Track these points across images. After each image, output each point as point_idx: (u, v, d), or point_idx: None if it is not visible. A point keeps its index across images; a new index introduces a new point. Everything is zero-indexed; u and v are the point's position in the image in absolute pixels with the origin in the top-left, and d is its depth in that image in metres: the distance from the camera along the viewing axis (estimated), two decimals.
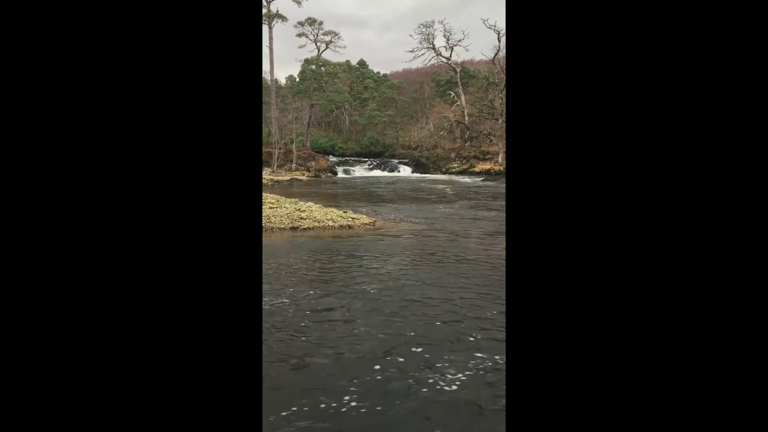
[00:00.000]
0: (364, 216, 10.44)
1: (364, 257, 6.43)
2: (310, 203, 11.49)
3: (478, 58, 43.94)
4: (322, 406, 2.49)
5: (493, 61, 36.46)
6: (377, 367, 2.97)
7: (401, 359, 3.10)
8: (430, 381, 2.79)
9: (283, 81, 44.83)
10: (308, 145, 38.62)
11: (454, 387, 2.73)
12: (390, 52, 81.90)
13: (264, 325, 3.62)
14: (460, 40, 43.92)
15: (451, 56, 41.21)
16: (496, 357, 3.13)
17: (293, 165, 33.21)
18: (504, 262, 6.25)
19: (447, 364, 3.03)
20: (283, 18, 34.47)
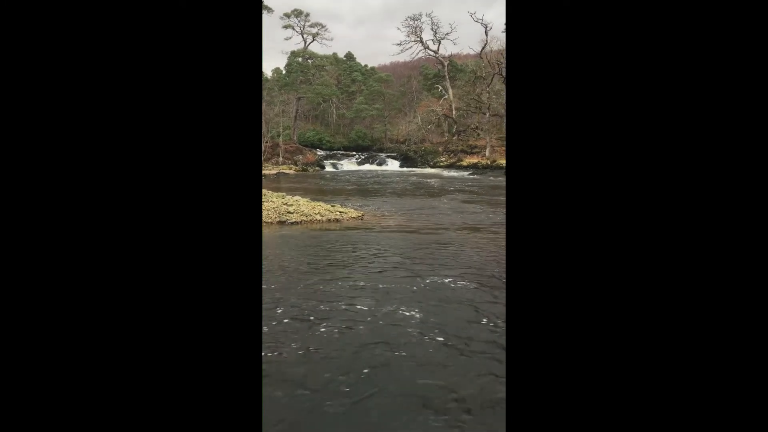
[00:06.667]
0: (352, 210, 10.42)
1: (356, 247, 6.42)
2: (297, 197, 11.43)
3: (465, 51, 44.02)
4: None
5: (480, 55, 36.51)
6: None
7: None
8: None
9: (269, 74, 44.37)
10: (295, 138, 38.37)
11: None
12: (368, 46, 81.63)
13: None
14: (447, 34, 43.92)
15: (438, 50, 41.21)
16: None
17: (280, 159, 32.99)
18: (489, 251, 6.32)
19: None
20: (269, 9, 34.09)
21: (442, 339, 3.34)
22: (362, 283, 4.82)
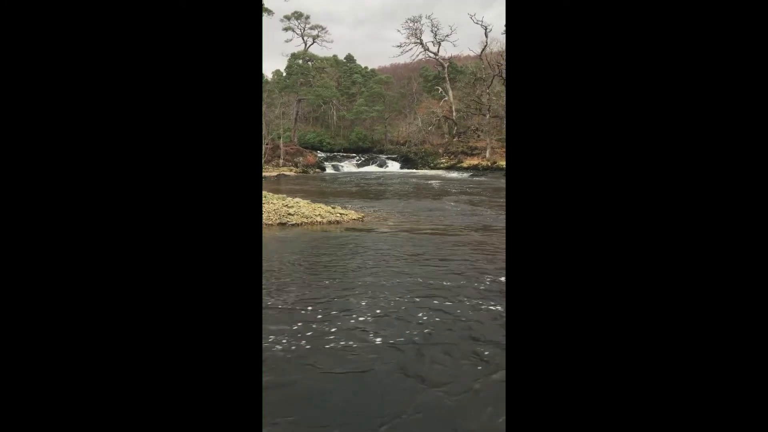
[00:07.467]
0: (353, 211, 10.42)
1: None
2: (298, 199, 11.43)
3: (465, 53, 44.06)
4: None
5: (480, 56, 36.53)
6: None
7: None
8: None
9: (269, 76, 44.40)
10: (296, 140, 38.40)
11: None
12: (368, 47, 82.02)
13: None
14: (447, 35, 44.04)
15: (438, 51, 41.27)
16: None
17: (281, 160, 33.02)
18: (490, 253, 6.32)
19: None
20: (269, 11, 34.13)
21: None
22: (419, 280, 4.82)
